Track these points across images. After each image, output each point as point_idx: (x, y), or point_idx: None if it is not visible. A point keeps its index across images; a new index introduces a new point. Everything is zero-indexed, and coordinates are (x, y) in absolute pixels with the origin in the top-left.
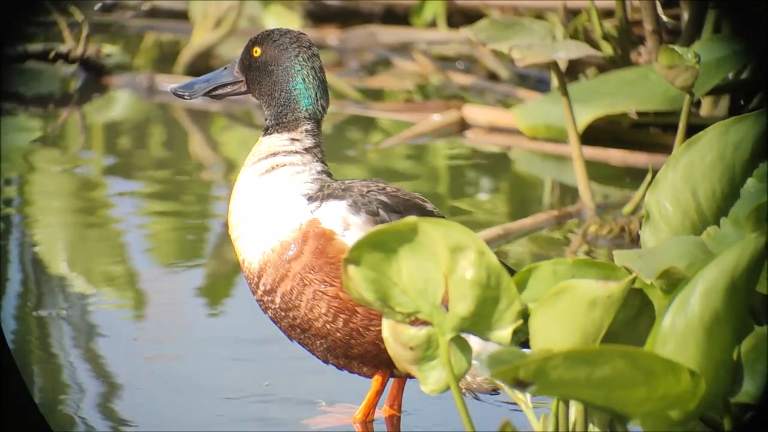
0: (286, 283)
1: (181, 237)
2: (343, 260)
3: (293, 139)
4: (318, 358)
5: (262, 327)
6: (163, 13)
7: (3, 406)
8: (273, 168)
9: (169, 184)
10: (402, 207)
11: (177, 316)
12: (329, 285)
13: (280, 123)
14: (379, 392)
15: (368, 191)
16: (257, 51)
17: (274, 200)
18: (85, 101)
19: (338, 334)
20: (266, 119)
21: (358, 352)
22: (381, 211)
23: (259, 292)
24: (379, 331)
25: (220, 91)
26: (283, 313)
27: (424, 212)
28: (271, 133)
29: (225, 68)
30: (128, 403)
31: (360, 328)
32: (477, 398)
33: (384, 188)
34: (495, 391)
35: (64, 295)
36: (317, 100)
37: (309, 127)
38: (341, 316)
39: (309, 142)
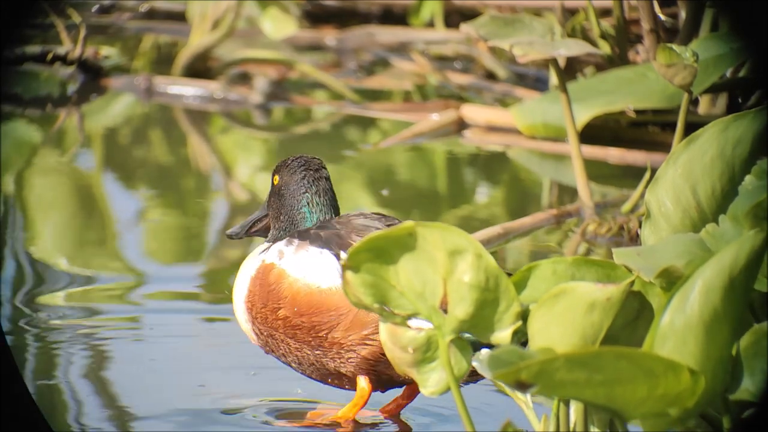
0: (263, 331)
1: (179, 237)
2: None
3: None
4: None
5: None
6: (161, 15)
7: (3, 406)
8: (267, 248)
9: (168, 184)
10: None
11: (175, 314)
12: (277, 309)
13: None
14: (366, 397)
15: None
16: (276, 179)
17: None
18: (83, 103)
19: (327, 358)
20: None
21: (351, 369)
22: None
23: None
24: (364, 343)
25: (256, 227)
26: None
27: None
28: (273, 242)
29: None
30: (128, 402)
31: (342, 342)
32: (475, 381)
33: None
34: None
35: (63, 296)
36: (322, 220)
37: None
38: (321, 329)
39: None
